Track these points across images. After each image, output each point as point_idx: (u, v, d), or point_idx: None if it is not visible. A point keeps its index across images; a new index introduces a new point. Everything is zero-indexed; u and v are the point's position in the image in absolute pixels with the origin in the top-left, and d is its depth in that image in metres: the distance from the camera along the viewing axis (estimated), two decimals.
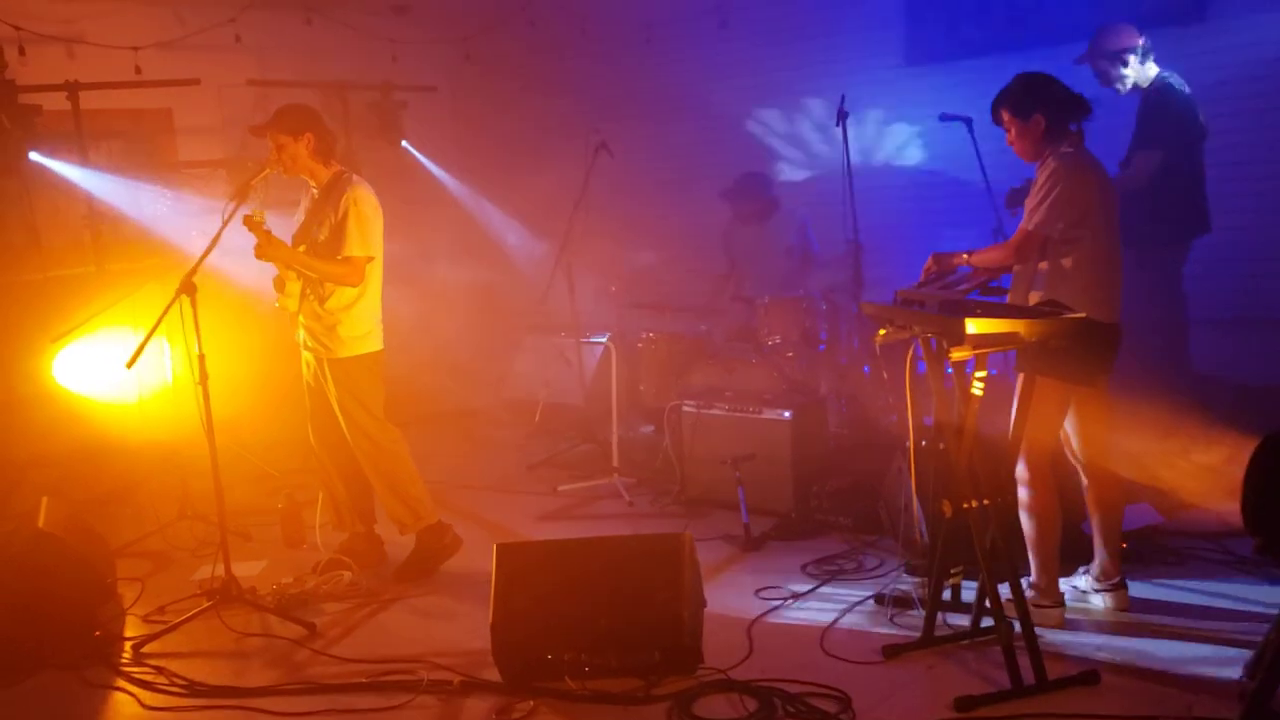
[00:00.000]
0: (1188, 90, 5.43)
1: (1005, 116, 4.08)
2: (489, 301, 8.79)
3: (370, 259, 4.83)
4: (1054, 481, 4.05)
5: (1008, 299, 4.14)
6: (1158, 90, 5.43)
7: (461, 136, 8.95)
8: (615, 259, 7.27)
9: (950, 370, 3.74)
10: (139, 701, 4.00)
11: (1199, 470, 5.39)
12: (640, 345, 6.94)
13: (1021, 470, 4.02)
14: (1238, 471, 4.84)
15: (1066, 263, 3.94)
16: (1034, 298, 4.00)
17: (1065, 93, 4.02)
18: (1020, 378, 3.93)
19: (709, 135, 8.30)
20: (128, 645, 4.45)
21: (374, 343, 4.98)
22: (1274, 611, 3.90)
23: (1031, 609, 3.94)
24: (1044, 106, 3.99)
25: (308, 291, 4.86)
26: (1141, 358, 4.44)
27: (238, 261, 5.58)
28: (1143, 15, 5.69)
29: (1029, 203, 3.99)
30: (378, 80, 8.57)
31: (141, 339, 4.37)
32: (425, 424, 7.62)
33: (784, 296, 6.46)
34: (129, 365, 4.33)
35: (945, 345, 3.53)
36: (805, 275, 6.79)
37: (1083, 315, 3.68)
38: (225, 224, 4.58)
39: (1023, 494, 4.04)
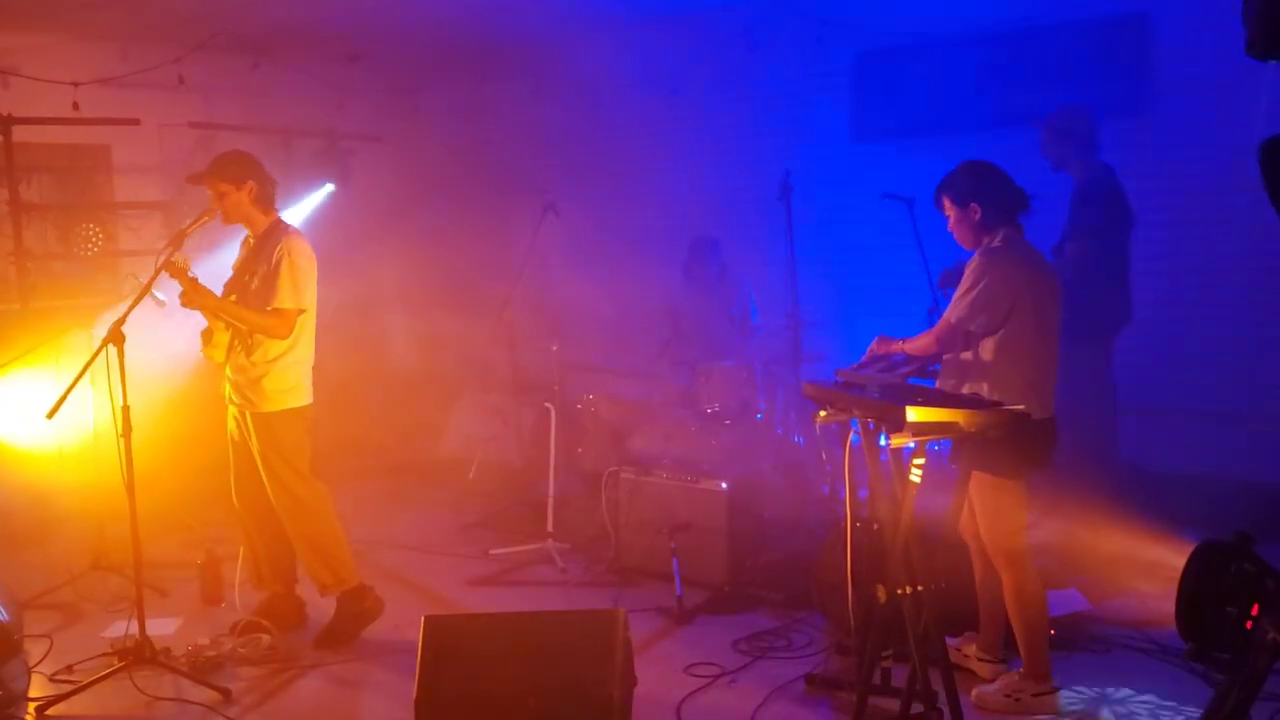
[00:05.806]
0: (1119, 180, 5.56)
1: (945, 202, 4.12)
2: (427, 356, 8.69)
3: (301, 311, 4.74)
4: (1035, 569, 4.04)
5: (935, 384, 4.16)
6: (1093, 177, 5.53)
7: (408, 188, 8.87)
8: (558, 319, 7.23)
9: (886, 456, 3.73)
10: None
11: (1123, 559, 5.45)
12: (580, 407, 6.89)
13: (1003, 562, 4.02)
14: (1161, 560, 4.92)
15: (990, 356, 3.96)
16: (965, 389, 4.02)
17: (1005, 185, 4.03)
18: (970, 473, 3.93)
19: (656, 200, 8.31)
20: (32, 707, 4.27)
21: (301, 397, 4.86)
22: (1194, 707, 3.96)
23: (1029, 699, 3.99)
24: (981, 197, 4.01)
25: (235, 343, 4.76)
26: (1067, 446, 4.48)
27: (166, 310, 5.46)
28: (1084, 105, 5.81)
29: (955, 294, 4.02)
30: (323, 128, 8.49)
31: (64, 387, 4.22)
32: (355, 479, 7.49)
33: (724, 365, 6.47)
34: (49, 416, 4.19)
35: (885, 431, 3.53)
36: (745, 344, 6.81)
37: (1022, 408, 3.70)
38: (157, 272, 4.48)
39: (1008, 584, 4.03)
